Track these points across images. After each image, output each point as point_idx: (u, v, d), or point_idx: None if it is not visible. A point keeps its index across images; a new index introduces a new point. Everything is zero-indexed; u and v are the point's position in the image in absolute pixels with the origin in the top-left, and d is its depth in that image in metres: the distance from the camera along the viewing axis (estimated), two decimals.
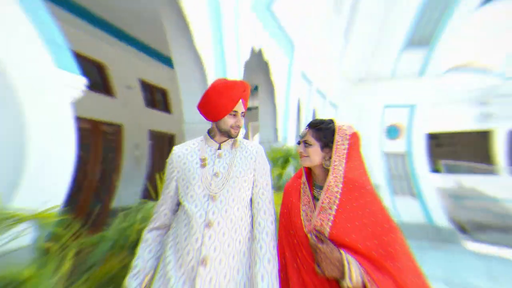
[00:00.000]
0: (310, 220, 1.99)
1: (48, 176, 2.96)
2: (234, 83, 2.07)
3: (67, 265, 2.19)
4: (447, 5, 11.21)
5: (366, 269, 1.69)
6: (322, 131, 2.10)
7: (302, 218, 2.02)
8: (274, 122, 9.29)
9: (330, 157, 2.07)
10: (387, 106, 13.96)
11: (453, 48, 13.28)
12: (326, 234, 1.89)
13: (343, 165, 2.03)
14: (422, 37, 11.88)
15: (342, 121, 2.18)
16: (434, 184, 13.42)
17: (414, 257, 1.84)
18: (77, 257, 2.39)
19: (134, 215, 3.54)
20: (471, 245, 11.22)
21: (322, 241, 1.87)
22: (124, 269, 2.45)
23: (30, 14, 2.49)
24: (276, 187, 7.68)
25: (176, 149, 2.16)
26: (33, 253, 2.33)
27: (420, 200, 12.89)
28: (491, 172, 15.87)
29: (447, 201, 14.68)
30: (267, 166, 2.17)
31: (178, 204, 2.10)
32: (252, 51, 7.03)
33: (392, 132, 14.11)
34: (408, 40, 12.17)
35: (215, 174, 2.06)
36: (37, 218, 2.30)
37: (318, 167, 2.11)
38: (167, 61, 9.61)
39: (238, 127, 2.13)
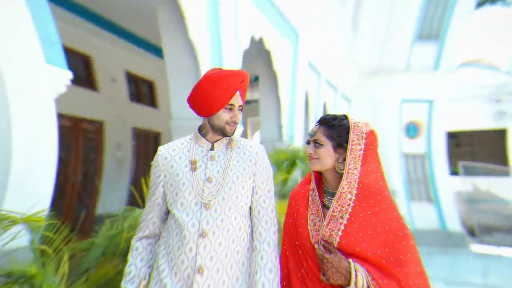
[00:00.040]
0: (318, 230, 2.03)
1: (33, 178, 3.32)
2: (230, 73, 2.06)
3: (65, 266, 2.56)
4: (447, 5, 13.16)
5: (373, 276, 1.85)
6: (335, 129, 2.09)
7: (309, 228, 2.05)
8: (278, 117, 9.27)
9: (344, 159, 2.07)
10: (404, 101, 14.74)
11: (460, 45, 14.75)
12: (335, 244, 1.95)
13: (359, 169, 2.03)
14: (431, 31, 13.57)
15: (357, 116, 2.18)
16: (451, 188, 14.70)
17: (422, 262, 2.10)
18: (71, 261, 2.75)
19: (121, 223, 3.91)
20: (476, 247, 13.43)
21: (329, 251, 1.96)
22: (119, 274, 2.81)
23: (33, 13, 2.90)
24: (280, 195, 7.42)
25: (162, 150, 2.16)
26: (31, 254, 2.71)
27: (436, 205, 14.12)
28: (506, 173, 17.23)
29: (462, 206, 16.19)
30: (269, 170, 2.19)
31: (168, 212, 2.13)
32: (252, 40, 7.35)
33: (411, 130, 14.87)
34: (418, 34, 13.69)
35: (208, 179, 2.06)
36: (28, 221, 2.64)
37: (329, 171, 2.12)
38: (156, 51, 9.97)
39: (235, 123, 2.12)
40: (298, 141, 9.91)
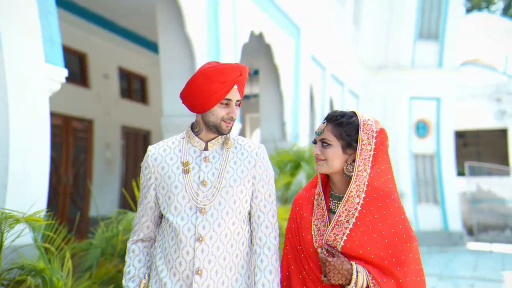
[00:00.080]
0: (322, 235, 2.08)
1: (29, 178, 3.66)
2: (228, 66, 2.07)
3: (68, 263, 2.91)
4: (440, 8, 15.04)
5: (373, 275, 1.98)
6: (344, 127, 2.09)
7: (312, 233, 2.11)
8: (280, 114, 9.38)
9: (353, 161, 2.08)
10: (413, 98, 15.73)
11: (459, 45, 16.75)
12: (339, 248, 2.02)
13: (368, 171, 2.06)
14: (430, 31, 15.23)
15: (366, 113, 2.19)
16: (457, 190, 16.15)
17: (421, 261, 2.19)
18: (72, 259, 3.10)
19: (116, 226, 4.26)
20: (471, 245, 15.69)
21: (332, 255, 2.01)
22: (119, 273, 3.16)
23: (41, 17, 3.28)
24: (282, 200, 7.49)
25: (151, 150, 2.17)
26: (35, 251, 3.05)
27: (441, 207, 15.37)
28: (507, 173, 18.92)
29: (465, 206, 17.91)
30: (270, 173, 2.19)
31: (161, 215, 2.17)
32: (252, 34, 7.68)
33: (421, 128, 15.80)
34: (418, 33, 15.23)
35: (202, 183, 2.08)
36: (29, 221, 2.98)
37: (337, 174, 2.13)
38: (150, 45, 10.34)
39: (232, 119, 2.10)
40: (303, 141, 10.00)
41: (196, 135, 2.15)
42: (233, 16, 6.89)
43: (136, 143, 11.36)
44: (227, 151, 2.14)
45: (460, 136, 21.48)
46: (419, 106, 15.61)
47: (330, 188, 2.19)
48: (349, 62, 14.17)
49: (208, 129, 2.12)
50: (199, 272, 1.98)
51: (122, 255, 3.75)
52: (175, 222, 2.03)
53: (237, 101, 2.11)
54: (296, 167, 7.61)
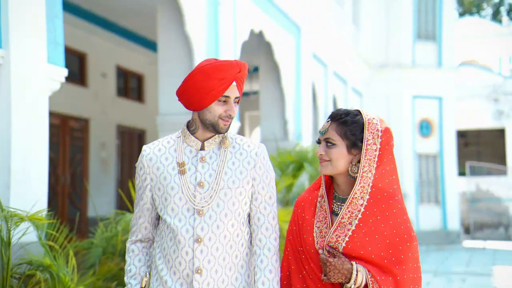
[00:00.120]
0: (324, 236, 2.12)
1: (29, 178, 3.88)
2: (226, 63, 2.07)
3: (73, 260, 3.15)
4: (435, 10, 16.29)
5: (372, 274, 2.06)
6: (349, 126, 2.10)
7: (314, 235, 2.15)
8: (281, 111, 9.51)
9: (358, 161, 2.10)
10: (416, 97, 16.53)
11: (456, 46, 17.99)
12: (340, 249, 2.07)
13: (373, 171, 2.08)
14: (427, 32, 16.39)
15: (370, 112, 2.20)
16: (458, 190, 17.17)
17: (419, 259, 2.38)
18: (75, 257, 3.35)
19: (115, 226, 4.49)
20: (467, 243, 17.12)
21: (333, 255, 2.06)
22: (121, 271, 3.40)
23: (48, 20, 3.56)
24: (284, 202, 7.53)
25: (146, 150, 2.17)
26: (40, 249, 3.30)
27: (442, 207, 16.25)
28: (504, 172, 20.24)
29: (464, 205, 19.19)
30: (271, 174, 2.20)
31: (159, 217, 2.21)
32: (252, 33, 7.90)
33: (424, 128, 16.51)
34: (416, 33, 16.31)
35: (199, 184, 2.09)
36: (32, 220, 3.21)
37: (342, 175, 2.14)
38: (148, 44, 10.60)
39: (230, 117, 2.10)
40: (306, 140, 10.13)
41: (192, 134, 2.15)
42: (233, 15, 7.13)
43: (131, 142, 11.58)
44: (225, 151, 2.14)
45: (462, 136, 22.47)
46: (422, 105, 16.34)
47: (333, 189, 2.20)
48: (351, 60, 14.48)
49: (205, 127, 2.12)
50: (199, 271, 2.04)
51: (122, 254, 3.98)
52: (172, 224, 2.06)
53: (236, 98, 2.11)
54: (299, 168, 7.59)
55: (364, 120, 2.10)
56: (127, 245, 2.23)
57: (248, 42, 7.91)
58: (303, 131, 10.18)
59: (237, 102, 2.13)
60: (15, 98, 3.74)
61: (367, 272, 2.04)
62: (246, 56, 8.68)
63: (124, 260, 3.81)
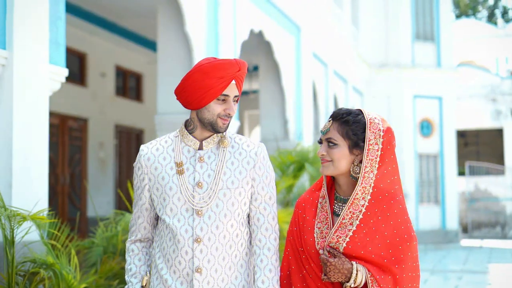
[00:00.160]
0: (325, 237, 2.14)
1: (30, 177, 3.98)
2: (226, 62, 2.07)
3: (75, 259, 3.25)
4: (432, 12, 16.82)
5: (372, 273, 2.10)
6: (350, 125, 2.11)
7: (315, 235, 2.16)
8: (282, 111, 9.58)
9: (360, 161, 2.11)
10: (416, 96, 16.85)
11: (455, 46, 18.68)
12: (341, 249, 2.09)
13: (375, 172, 2.08)
14: (425, 33, 16.92)
15: (371, 111, 2.20)
16: (457, 190, 17.59)
17: (418, 258, 2.32)
18: (77, 256, 3.45)
19: (115, 226, 4.58)
20: (465, 242, 17.67)
21: (334, 255, 2.08)
22: (123, 270, 3.50)
23: (51, 22, 3.67)
24: (284, 203, 7.53)
25: (144, 150, 2.18)
26: (42, 247, 3.40)
27: (441, 207, 16.65)
28: (502, 172, 20.81)
29: (463, 205, 19.85)
30: (271, 174, 2.20)
31: (157, 217, 2.22)
32: (251, 32, 8.00)
33: (425, 128, 16.81)
34: (415, 34, 16.79)
35: (198, 184, 2.09)
36: (34, 219, 3.30)
37: (343, 176, 2.15)
38: (147, 43, 10.70)
39: (228, 116, 2.11)
40: (307, 140, 10.19)
41: (190, 133, 2.15)
42: (233, 15, 7.22)
43: (129, 142, 11.66)
44: (224, 150, 2.13)
45: (461, 135, 23.01)
46: (422, 105, 16.64)
47: (335, 190, 2.22)
48: (351, 60, 14.62)
49: (203, 126, 2.12)
50: (199, 270, 2.06)
51: (123, 254, 4.08)
52: (171, 224, 2.07)
53: (235, 96, 2.11)
54: (299, 168, 7.57)
55: (366, 119, 2.11)
56: (127, 244, 2.25)
57: (247, 42, 7.99)
58: (304, 130, 10.21)
59: (236, 101, 2.13)
60: (17, 98, 3.82)
61: (366, 271, 2.07)
62: (245, 55, 8.75)
63: (125, 259, 3.90)
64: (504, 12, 35.07)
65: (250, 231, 2.20)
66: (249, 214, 2.19)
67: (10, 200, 3.67)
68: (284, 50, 9.35)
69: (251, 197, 2.16)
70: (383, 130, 2.10)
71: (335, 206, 2.19)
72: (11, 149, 3.82)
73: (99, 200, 9.58)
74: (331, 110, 12.09)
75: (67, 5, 6.94)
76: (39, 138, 4.07)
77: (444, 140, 16.76)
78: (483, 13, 35.23)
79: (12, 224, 3.12)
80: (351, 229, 2.10)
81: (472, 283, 10.16)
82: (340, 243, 2.09)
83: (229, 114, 2.09)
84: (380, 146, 2.08)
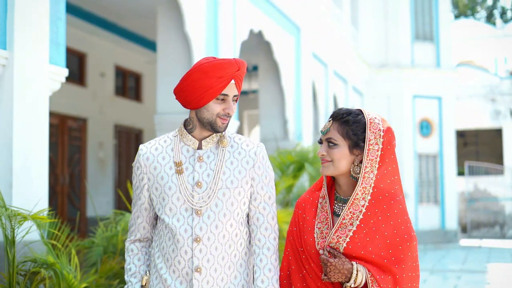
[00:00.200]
0: (325, 237, 2.15)
1: (30, 177, 3.99)
2: (225, 61, 2.07)
3: (75, 259, 3.27)
4: (431, 12, 16.97)
5: (372, 273, 2.10)
6: (350, 125, 2.11)
7: (315, 236, 2.17)
8: (281, 111, 9.60)
9: (360, 162, 2.11)
10: (416, 96, 16.96)
11: (454, 46, 18.79)
12: (341, 250, 2.10)
13: (375, 172, 2.09)
14: (425, 33, 17.09)
15: (371, 111, 2.20)
16: (456, 190, 17.75)
17: (418, 258, 2.33)
18: (77, 256, 3.47)
19: (114, 226, 4.59)
20: (464, 241, 17.85)
21: (334, 256, 2.09)
22: (123, 269, 3.52)
23: (51, 23, 3.69)
24: (284, 203, 7.54)
25: (143, 149, 2.18)
26: (43, 247, 3.41)
27: (441, 207, 16.79)
28: (501, 172, 21.03)
29: (462, 205, 20.05)
30: (270, 173, 2.21)
31: (157, 216, 2.23)
32: (251, 32, 8.03)
33: (424, 128, 16.92)
34: (414, 34, 16.95)
35: (197, 184, 2.10)
36: (35, 219, 3.31)
37: (343, 176, 2.16)
38: (147, 43, 10.73)
39: (228, 116, 2.11)
40: (307, 140, 10.20)
41: (189, 133, 2.15)
42: (232, 15, 7.25)
43: (128, 142, 11.69)
44: (223, 150, 2.14)
45: (461, 135, 23.19)
46: (422, 105, 16.75)
47: (335, 190, 2.22)
48: (351, 60, 14.67)
49: (202, 126, 2.12)
50: (198, 270, 2.07)
51: (123, 253, 4.10)
52: (171, 223, 2.08)
53: (234, 96, 2.11)
54: (299, 168, 7.56)
55: (366, 119, 2.11)
56: (126, 244, 2.26)
57: (247, 42, 8.02)
58: (304, 130, 10.23)
59: (236, 101, 2.14)
60: (17, 98, 3.84)
61: (367, 271, 2.07)
62: (245, 55, 8.77)
63: (125, 259, 3.92)
64: (503, 13, 35.31)
65: (249, 231, 2.21)
66: (248, 214, 2.20)
67: (11, 200, 3.68)
68: (284, 50, 9.37)
69: (251, 197, 2.16)
70: (383, 130, 2.10)
71: (335, 206, 2.20)
72: (11, 149, 3.82)
73: (98, 200, 9.60)
74: (330, 110, 12.11)
75: (67, 5, 6.99)
76: (39, 138, 4.08)
77: (444, 140, 16.87)
78: (482, 13, 35.52)
79: (13, 224, 3.14)
80: (351, 229, 2.10)
81: (471, 282, 10.23)
82: (340, 243, 2.10)
83: (229, 114, 2.10)
84: (380, 146, 2.09)
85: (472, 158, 23.01)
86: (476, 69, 21.84)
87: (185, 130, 2.16)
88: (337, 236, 2.11)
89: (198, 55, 6.33)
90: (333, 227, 2.14)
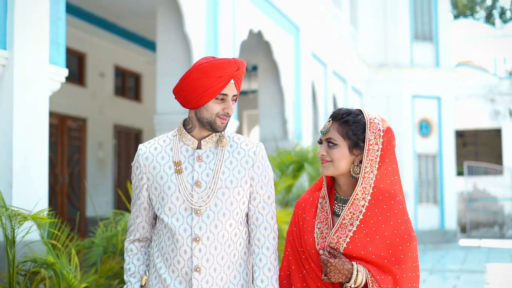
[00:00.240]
0: (325, 237, 2.15)
1: (30, 177, 3.99)
2: (224, 61, 2.08)
3: (75, 259, 3.28)
4: (430, 12, 17.03)
5: (372, 273, 2.11)
6: (350, 126, 2.11)
7: (315, 236, 2.17)
8: (281, 111, 9.62)
9: (360, 162, 2.11)
10: (415, 96, 17.01)
11: (453, 46, 18.85)
12: (341, 250, 2.10)
13: (375, 172, 2.09)
14: (424, 33, 17.16)
15: (371, 111, 2.21)
16: (455, 190, 17.82)
17: (418, 258, 2.33)
18: (77, 256, 3.47)
19: (114, 226, 4.60)
20: (463, 241, 17.94)
21: (334, 256, 2.09)
22: (123, 270, 3.53)
23: (51, 23, 3.71)
24: (283, 203, 7.56)
25: (142, 149, 2.18)
26: (43, 247, 3.42)
27: (440, 207, 16.85)
28: (500, 172, 21.16)
29: (461, 205, 20.16)
30: (269, 173, 2.21)
31: (156, 216, 2.23)
32: (250, 32, 8.04)
33: (424, 128, 16.97)
34: (413, 34, 17.00)
35: (196, 184, 2.10)
36: (35, 219, 3.32)
37: (343, 176, 2.16)
38: (146, 43, 10.75)
39: (227, 115, 2.12)
40: (306, 140, 10.22)
41: (189, 132, 2.15)
42: (232, 15, 7.26)
43: (128, 142, 11.70)
44: (222, 150, 2.14)
45: (460, 135, 23.29)
46: (421, 105, 16.79)
47: (335, 190, 2.23)
48: (350, 60, 14.70)
49: (202, 126, 2.12)
50: (198, 269, 2.07)
51: (123, 253, 4.09)
52: (170, 223, 2.08)
53: (234, 96, 2.12)
54: (299, 168, 7.56)
55: (366, 119, 2.11)
56: (125, 244, 2.26)
57: (247, 42, 8.04)
58: (303, 130, 10.25)
59: (235, 100, 2.14)
60: (17, 98, 3.85)
61: (367, 271, 2.08)
62: (244, 55, 8.78)
63: (124, 259, 3.94)
64: (502, 13, 35.41)
65: (248, 231, 2.21)
66: (247, 214, 2.20)
67: (11, 200, 3.69)
68: (283, 50, 9.38)
69: (250, 196, 2.17)
70: (383, 130, 2.11)
71: (335, 206, 2.20)
72: (11, 149, 3.83)
73: (98, 200, 9.61)
74: (330, 110, 12.13)
75: (67, 5, 7.00)
76: (39, 138, 4.09)
77: (443, 140, 16.91)
78: (481, 13, 35.66)
79: (13, 224, 3.14)
80: (351, 230, 2.11)
81: (470, 282, 10.27)
82: (340, 244, 2.10)
83: (228, 113, 2.11)
84: (380, 146, 2.09)
85: (472, 158, 23.10)
86: (475, 69, 21.92)
87: (184, 130, 2.16)
88: (337, 236, 2.11)
89: (197, 55, 6.34)
90: (333, 227, 2.14)
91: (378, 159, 2.09)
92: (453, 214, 17.10)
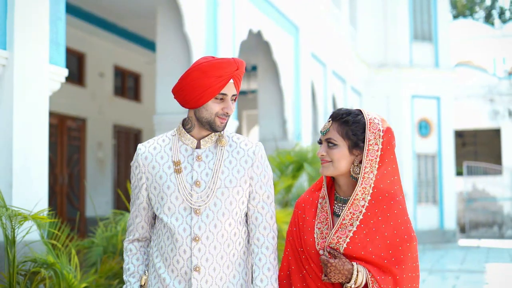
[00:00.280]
0: (325, 237, 2.15)
1: (30, 177, 4.00)
2: (224, 61, 2.08)
3: (75, 259, 3.28)
4: (430, 12, 17.13)
5: (372, 274, 2.11)
6: (350, 126, 2.11)
7: (315, 236, 2.17)
8: (280, 111, 9.64)
9: (360, 162, 2.12)
10: (415, 96, 17.06)
11: (452, 46, 18.99)
12: (341, 250, 2.10)
13: (375, 172, 2.10)
14: (423, 33, 17.23)
15: (371, 111, 2.21)
16: (455, 190, 17.84)
17: (418, 259, 2.33)
18: (77, 256, 3.48)
19: (114, 226, 4.60)
20: (462, 241, 17.99)
21: (334, 256, 2.10)
22: (122, 269, 3.54)
23: (51, 23, 3.71)
24: (283, 203, 7.57)
25: (141, 149, 2.19)
26: (43, 247, 3.42)
27: (439, 207, 16.92)
28: (499, 172, 21.27)
29: (460, 205, 20.27)
30: (269, 173, 2.21)
31: (155, 216, 2.23)
32: (250, 32, 8.06)
33: (423, 128, 17.02)
34: (413, 34, 17.06)
35: (196, 183, 2.10)
36: (35, 219, 3.32)
37: (343, 176, 2.16)
38: (146, 43, 10.76)
39: (227, 115, 2.12)
40: (306, 140, 10.23)
41: (188, 132, 2.16)
42: (231, 15, 7.27)
43: (127, 142, 11.72)
44: (221, 149, 2.15)
45: (459, 135, 23.37)
46: (420, 105, 16.86)
47: (335, 190, 2.23)
48: (350, 60, 14.72)
49: (201, 125, 2.13)
50: (197, 269, 2.07)
51: (123, 253, 4.11)
52: (169, 223, 2.09)
53: (233, 95, 2.12)
54: (298, 169, 7.56)
55: (366, 120, 2.12)
56: (125, 244, 2.26)
57: (246, 42, 8.05)
58: (303, 130, 10.26)
59: (234, 100, 2.15)
60: (17, 98, 3.85)
61: (367, 272, 2.08)
62: (244, 55, 8.79)
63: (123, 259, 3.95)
64: (501, 13, 35.50)
65: (248, 230, 2.22)
66: (247, 213, 2.20)
67: (11, 200, 3.69)
68: (283, 50, 9.40)
69: (249, 196, 2.17)
70: (382, 130, 2.11)
71: (335, 206, 2.20)
72: (11, 149, 3.83)
73: (97, 200, 9.63)
74: (329, 110, 12.14)
75: (67, 5, 7.01)
76: (39, 138, 4.09)
77: (442, 140, 16.95)
78: (480, 13, 35.74)
79: (13, 224, 3.15)
80: (351, 230, 2.11)
81: (469, 282, 10.30)
82: (340, 244, 2.11)
83: (227, 113, 2.11)
84: (380, 147, 2.09)
85: (471, 158, 23.18)
86: (475, 69, 21.99)
87: (183, 130, 2.17)
88: (337, 236, 2.11)
89: (197, 55, 6.35)
90: (333, 227, 2.14)
91: (378, 159, 2.09)
92: (453, 214, 17.16)
